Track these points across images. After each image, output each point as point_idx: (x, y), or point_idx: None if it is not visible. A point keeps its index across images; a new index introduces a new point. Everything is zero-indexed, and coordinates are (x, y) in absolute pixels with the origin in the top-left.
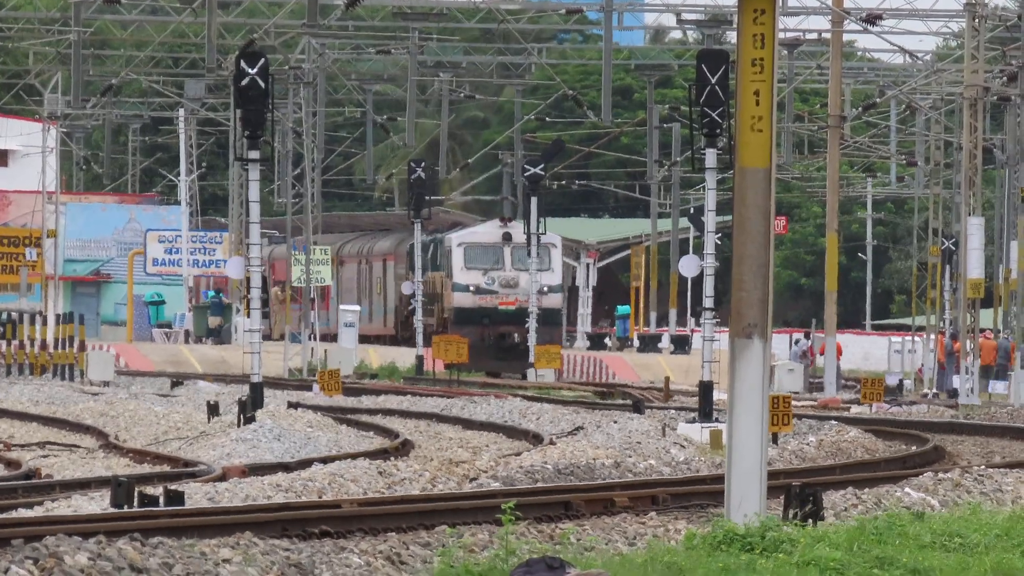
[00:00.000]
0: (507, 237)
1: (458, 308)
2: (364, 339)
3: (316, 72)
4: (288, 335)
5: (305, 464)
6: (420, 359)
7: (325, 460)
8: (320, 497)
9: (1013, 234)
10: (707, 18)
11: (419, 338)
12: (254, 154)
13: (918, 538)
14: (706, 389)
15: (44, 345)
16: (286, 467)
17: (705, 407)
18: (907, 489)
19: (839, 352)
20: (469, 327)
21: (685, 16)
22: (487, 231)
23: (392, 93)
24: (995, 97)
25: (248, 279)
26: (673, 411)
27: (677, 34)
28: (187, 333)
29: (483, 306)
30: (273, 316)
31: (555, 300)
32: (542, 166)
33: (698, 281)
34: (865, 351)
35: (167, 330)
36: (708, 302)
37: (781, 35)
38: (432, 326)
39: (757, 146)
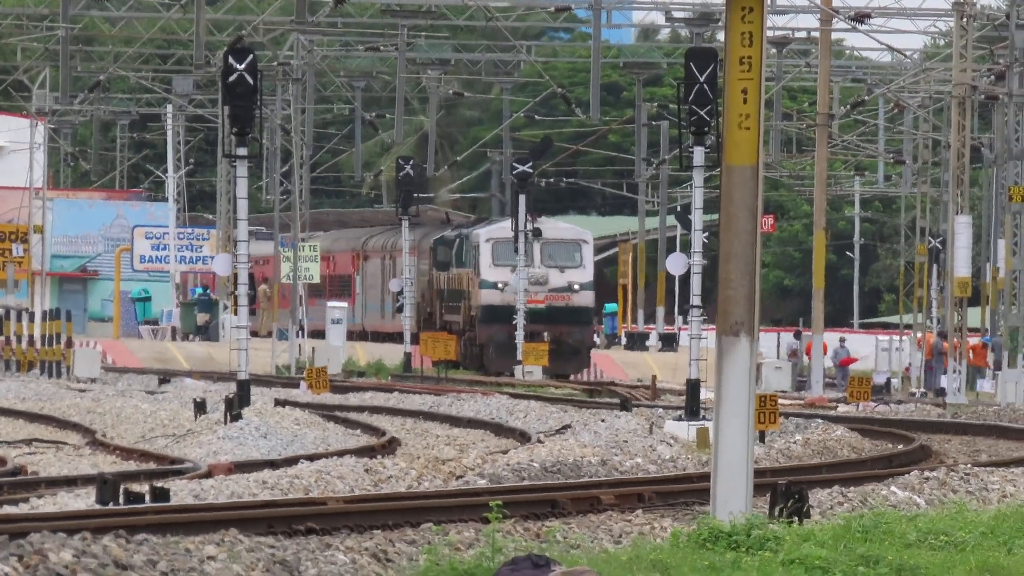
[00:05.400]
0: (537, 233)
1: (485, 306)
2: (387, 337)
3: (304, 69)
4: (276, 332)
5: (291, 461)
6: (408, 356)
7: (311, 457)
8: (306, 494)
9: (1000, 233)
10: (696, 16)
11: (407, 335)
12: (242, 151)
13: (904, 536)
14: (693, 387)
15: (31, 341)
16: (272, 464)
17: (692, 405)
18: (893, 488)
19: (824, 351)
20: (497, 325)
21: (674, 14)
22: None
23: (381, 90)
24: (983, 96)
25: (235, 276)
26: (660, 409)
27: (667, 32)
28: (174, 330)
29: (511, 304)
30: (261, 313)
31: (587, 298)
32: (530, 164)
33: (686, 279)
34: (853, 350)
35: (154, 327)
36: (695, 300)
37: (769, 33)
38: (458, 324)
39: (745, 144)
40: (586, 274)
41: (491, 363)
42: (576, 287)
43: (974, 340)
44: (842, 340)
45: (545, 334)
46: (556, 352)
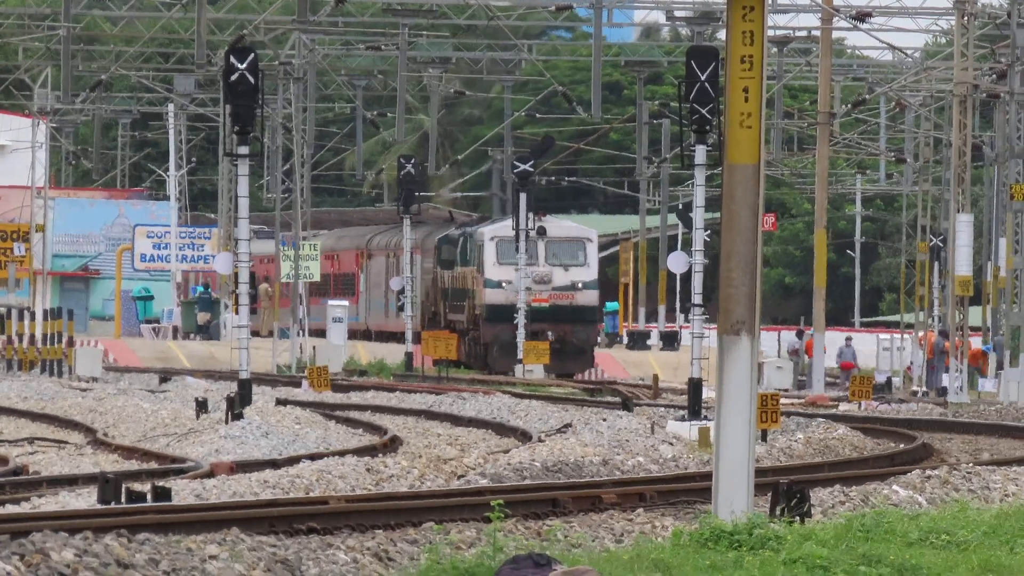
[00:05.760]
0: (541, 231)
1: (490, 305)
2: (391, 336)
3: (306, 68)
4: (277, 331)
5: (293, 461)
6: (409, 356)
7: (313, 457)
8: (307, 494)
9: (1001, 231)
10: (697, 15)
11: (408, 334)
12: (243, 150)
13: (906, 535)
14: (695, 386)
15: (32, 340)
16: (274, 464)
17: (694, 404)
18: (895, 487)
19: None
20: (501, 324)
21: (675, 13)
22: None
23: (382, 89)
24: (984, 94)
25: (236, 275)
26: (662, 408)
27: (668, 30)
28: (175, 329)
29: (516, 303)
30: (262, 312)
31: (591, 297)
32: (531, 162)
33: (687, 277)
34: (854, 348)
35: (155, 326)
36: (697, 299)
37: (771, 32)
38: (463, 323)
39: (746, 142)
40: (591, 273)
41: (495, 362)
42: (580, 286)
43: (975, 341)
44: (848, 339)
45: (549, 333)
46: (560, 351)
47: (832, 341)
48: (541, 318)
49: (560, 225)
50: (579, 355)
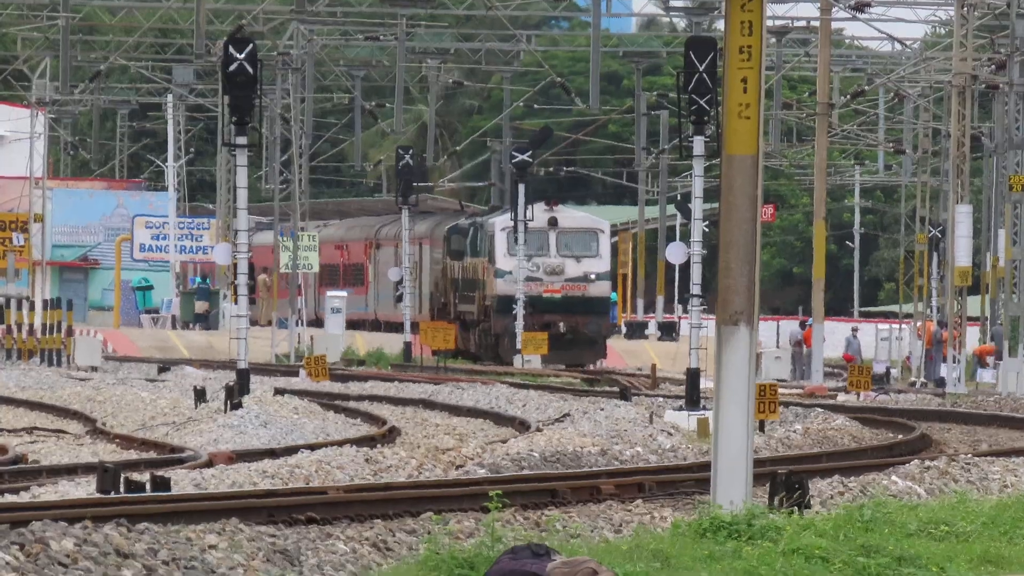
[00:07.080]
0: (553, 222)
1: (500, 296)
2: (399, 326)
3: (304, 58)
4: (276, 321)
5: (292, 451)
6: (408, 345)
7: (312, 447)
8: (306, 484)
9: (1000, 222)
10: (695, 5)
11: (407, 324)
12: (242, 140)
13: (904, 526)
14: (693, 376)
15: (32, 330)
16: (272, 453)
17: (692, 394)
18: (894, 477)
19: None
20: (512, 316)
21: (673, 3)
22: (532, 215)
23: (381, 79)
24: (983, 85)
25: (235, 265)
26: (660, 398)
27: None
28: (174, 319)
29: (527, 294)
30: (260, 302)
31: (603, 288)
32: (530, 153)
33: (685, 268)
34: (860, 341)
35: (154, 316)
36: (695, 289)
37: (769, 23)
38: (473, 314)
39: (744, 133)
40: (603, 264)
41: (506, 353)
42: (593, 277)
43: (972, 331)
44: (854, 330)
45: (561, 324)
46: (572, 342)
47: (834, 331)
48: (553, 309)
49: (572, 216)
50: (591, 346)
